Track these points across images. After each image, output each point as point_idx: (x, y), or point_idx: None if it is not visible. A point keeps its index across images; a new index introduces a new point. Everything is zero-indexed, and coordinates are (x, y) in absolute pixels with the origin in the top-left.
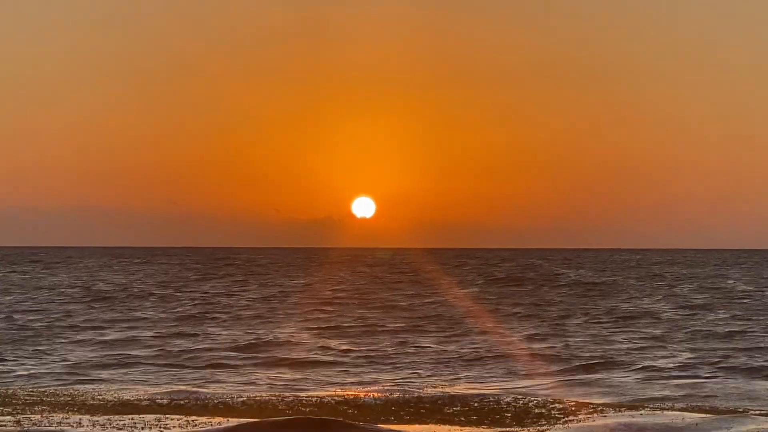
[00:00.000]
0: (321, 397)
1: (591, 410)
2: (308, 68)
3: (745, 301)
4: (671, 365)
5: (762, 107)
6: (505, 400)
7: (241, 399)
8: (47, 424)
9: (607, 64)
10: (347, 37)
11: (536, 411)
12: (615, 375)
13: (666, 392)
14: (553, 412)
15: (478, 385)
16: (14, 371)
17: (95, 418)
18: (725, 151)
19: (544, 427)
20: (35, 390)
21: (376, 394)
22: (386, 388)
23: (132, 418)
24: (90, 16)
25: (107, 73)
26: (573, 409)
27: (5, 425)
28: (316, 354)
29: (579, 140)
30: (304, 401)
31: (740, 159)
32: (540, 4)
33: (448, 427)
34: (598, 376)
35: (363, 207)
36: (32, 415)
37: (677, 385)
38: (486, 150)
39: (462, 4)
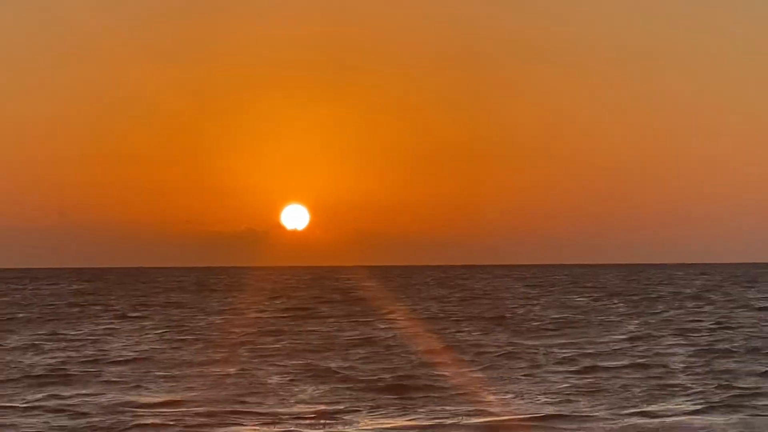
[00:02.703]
0: None
1: None
2: (222, 48)
3: None
4: None
5: None
6: None
7: None
8: None
9: (603, 40)
10: (268, 8)
11: None
12: None
13: None
14: None
15: None
16: None
17: None
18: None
19: None
20: None
21: None
22: None
23: None
24: None
25: None
26: None
27: None
28: None
29: (565, 132)
30: None
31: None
32: None
33: None
34: None
35: (294, 217)
36: None
37: None
38: (445, 146)
39: None
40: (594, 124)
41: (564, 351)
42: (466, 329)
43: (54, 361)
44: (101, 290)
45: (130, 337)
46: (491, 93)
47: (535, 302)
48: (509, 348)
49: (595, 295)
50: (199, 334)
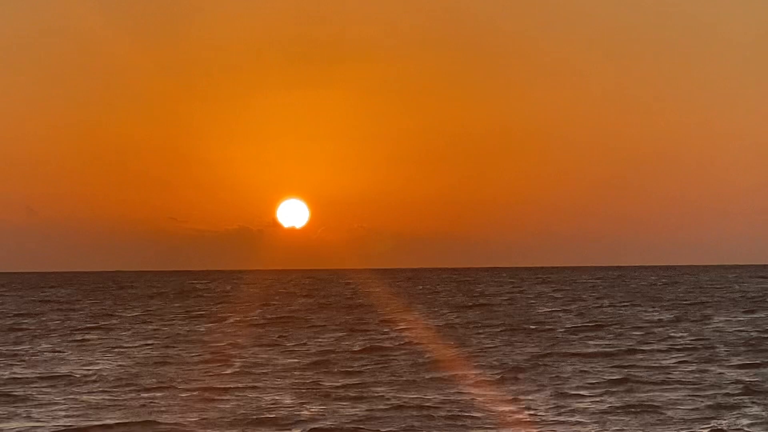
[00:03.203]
0: None
1: None
2: (210, 27)
3: None
4: None
5: None
6: None
7: None
8: None
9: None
10: None
11: None
12: None
13: None
14: None
15: None
16: None
17: None
18: None
19: None
20: None
21: None
22: None
23: None
24: None
25: None
26: None
27: None
28: None
29: (583, 124)
30: None
31: None
32: None
33: None
34: None
35: (292, 213)
36: None
37: None
38: (462, 135)
39: None
40: (618, 115)
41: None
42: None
43: None
44: (64, 299)
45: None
46: (509, 81)
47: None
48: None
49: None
50: (165, 355)
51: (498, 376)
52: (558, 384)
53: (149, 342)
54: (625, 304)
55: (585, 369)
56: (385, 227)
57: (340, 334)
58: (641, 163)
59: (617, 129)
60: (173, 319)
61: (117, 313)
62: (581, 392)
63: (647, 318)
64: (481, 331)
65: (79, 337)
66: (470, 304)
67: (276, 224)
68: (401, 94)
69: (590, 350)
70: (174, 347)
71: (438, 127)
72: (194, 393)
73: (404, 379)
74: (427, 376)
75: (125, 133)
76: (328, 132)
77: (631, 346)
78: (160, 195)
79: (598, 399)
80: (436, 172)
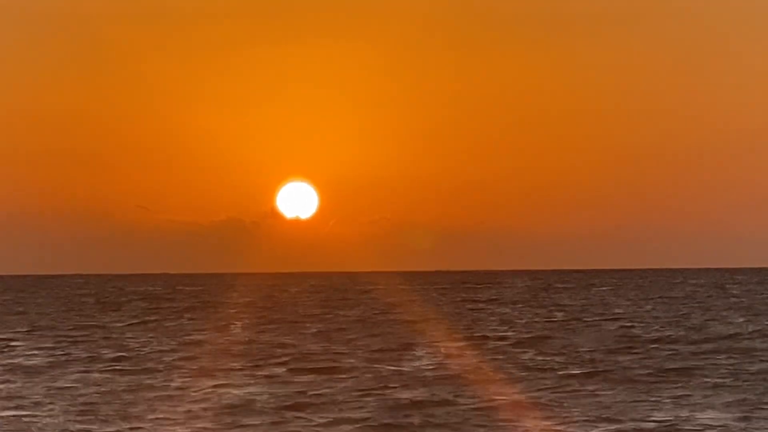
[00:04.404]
0: None
1: None
2: None
3: None
4: None
5: None
6: None
7: None
8: None
9: None
10: None
11: None
12: None
13: None
14: None
15: None
16: None
17: None
18: None
19: None
20: None
21: None
22: None
23: None
24: None
25: None
26: None
27: None
28: None
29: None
30: None
31: None
32: None
33: None
34: None
35: (296, 200)
36: None
37: None
38: (517, 105)
39: None
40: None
41: None
42: None
43: None
44: None
45: None
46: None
47: None
48: None
49: None
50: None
51: None
52: None
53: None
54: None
55: None
56: (415, 219)
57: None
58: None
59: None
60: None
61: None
62: None
63: None
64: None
65: None
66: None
67: (275, 214)
68: (440, 50)
69: None
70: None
71: (486, 95)
72: None
73: None
74: None
75: (76, 101)
76: (343, 97)
77: None
78: (125, 178)
79: None
80: (484, 152)
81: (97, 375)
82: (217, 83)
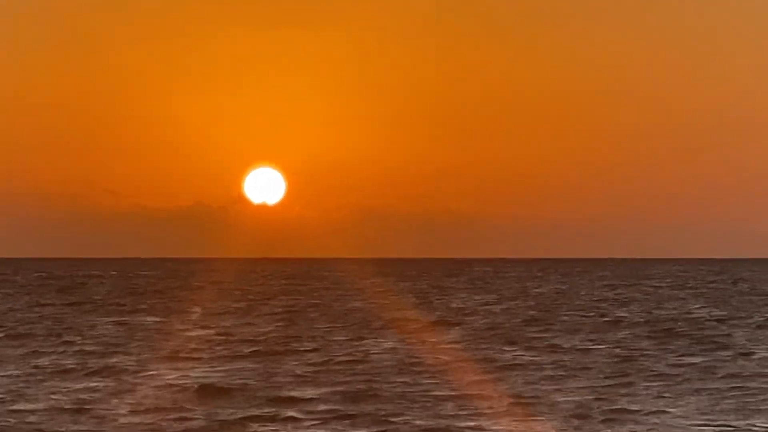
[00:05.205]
0: None
1: None
2: None
3: None
4: None
5: None
6: None
7: None
8: None
9: None
10: None
11: None
12: None
13: None
14: None
15: None
16: None
17: None
18: None
19: None
20: None
21: None
22: None
23: None
24: None
25: None
26: None
27: None
28: None
29: (632, 76)
30: None
31: None
32: None
33: None
34: None
35: (263, 185)
36: None
37: None
38: (488, 92)
39: None
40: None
41: None
42: None
43: None
44: None
45: None
46: (549, 27)
47: None
48: None
49: None
50: None
51: None
52: None
53: None
54: None
55: None
56: (383, 206)
57: None
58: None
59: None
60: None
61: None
62: None
63: None
64: None
65: None
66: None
67: (243, 200)
68: (409, 36)
69: None
70: None
71: (458, 81)
72: None
73: None
74: None
75: (45, 85)
76: (311, 84)
77: None
78: (93, 161)
79: None
80: (453, 139)
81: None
82: (186, 69)
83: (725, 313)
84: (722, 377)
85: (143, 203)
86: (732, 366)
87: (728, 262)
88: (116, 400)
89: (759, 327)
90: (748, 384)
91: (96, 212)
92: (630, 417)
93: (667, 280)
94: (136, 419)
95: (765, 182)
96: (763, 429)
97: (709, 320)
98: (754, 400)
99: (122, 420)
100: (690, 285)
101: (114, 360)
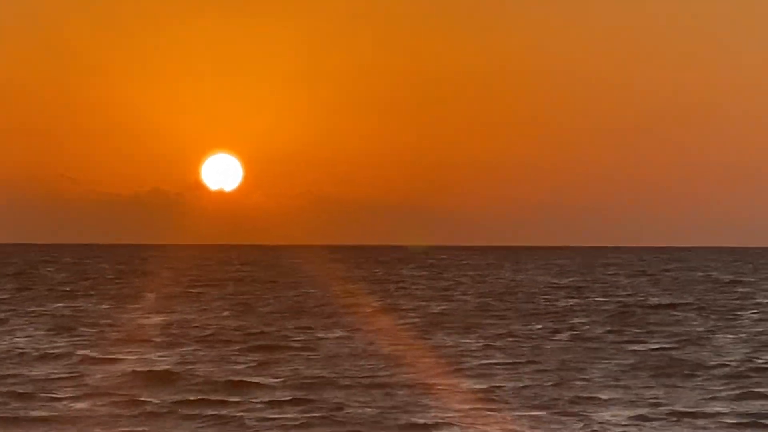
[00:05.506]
0: None
1: None
2: None
3: None
4: None
5: None
6: None
7: None
8: None
9: None
10: None
11: None
12: None
13: None
14: None
15: None
16: None
17: None
18: None
19: None
20: None
21: None
22: None
23: None
24: None
25: None
26: None
27: None
28: None
29: (585, 62)
30: None
31: None
32: None
33: None
34: None
35: (221, 172)
36: None
37: None
38: (444, 78)
39: None
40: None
41: None
42: None
43: None
44: None
45: None
46: (502, 10)
47: None
48: None
49: None
50: None
51: None
52: None
53: None
54: None
55: None
56: (341, 193)
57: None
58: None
59: (634, 74)
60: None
61: None
62: None
63: None
64: None
65: None
66: None
67: (200, 186)
68: (366, 22)
69: None
70: None
71: (413, 67)
72: None
73: None
74: None
75: (1, 69)
76: (268, 69)
77: None
78: (50, 146)
79: None
80: (410, 125)
81: None
82: (144, 56)
83: (682, 300)
84: (676, 364)
85: (100, 189)
86: (686, 353)
87: (683, 250)
88: (67, 386)
89: (713, 313)
90: (696, 372)
91: (53, 198)
92: (586, 404)
93: (625, 268)
94: (87, 404)
95: (718, 171)
96: (717, 413)
97: (663, 306)
98: (709, 385)
99: (73, 405)
100: (647, 272)
101: (64, 345)
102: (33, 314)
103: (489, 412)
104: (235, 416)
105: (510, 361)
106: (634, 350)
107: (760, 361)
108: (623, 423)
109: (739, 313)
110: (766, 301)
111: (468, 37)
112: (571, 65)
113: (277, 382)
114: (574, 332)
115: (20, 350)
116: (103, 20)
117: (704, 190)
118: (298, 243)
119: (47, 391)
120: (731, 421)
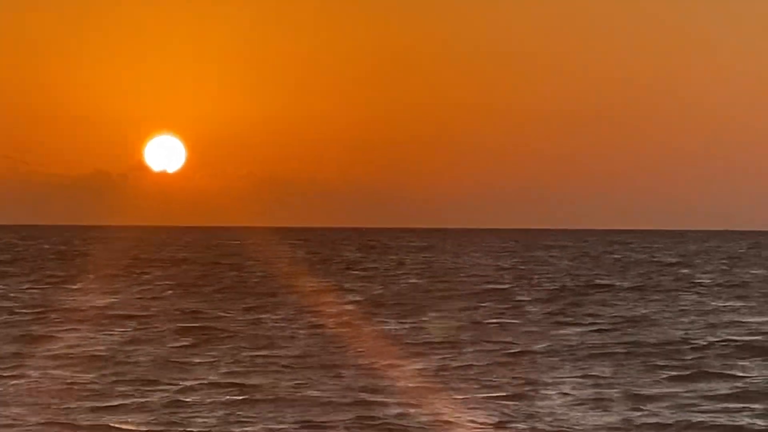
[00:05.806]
0: None
1: None
2: None
3: None
4: None
5: None
6: None
7: None
8: None
9: None
10: None
11: None
12: None
13: None
14: None
15: None
16: None
17: None
18: None
19: None
20: None
21: None
22: None
23: None
24: None
25: None
26: None
27: None
28: None
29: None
30: None
31: None
32: None
33: None
34: None
35: (163, 153)
36: None
37: None
38: (391, 55)
39: None
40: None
41: None
42: None
43: None
44: None
45: None
46: None
47: None
48: None
49: None
50: None
51: None
52: None
53: None
54: None
55: None
56: (284, 175)
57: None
58: (636, 103)
59: (604, 59)
60: None
61: None
62: None
63: None
64: None
65: None
66: None
67: (143, 167)
68: (307, 3)
69: None
70: None
71: (358, 47)
72: None
73: None
74: None
75: None
76: (212, 50)
77: None
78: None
79: None
80: (356, 104)
81: None
82: (86, 37)
83: (624, 281)
84: (619, 344)
85: (43, 170)
86: (628, 333)
87: (626, 233)
88: (1, 370)
89: (655, 293)
90: (638, 351)
91: (2, 180)
92: (531, 385)
93: (567, 251)
94: (23, 388)
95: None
96: (663, 394)
97: (605, 287)
98: (652, 365)
99: (8, 389)
100: (590, 254)
101: None
102: None
103: (433, 393)
104: (173, 399)
105: (453, 341)
106: (577, 331)
107: (701, 341)
108: (568, 404)
109: (680, 293)
110: (708, 281)
111: (418, 15)
112: (526, 47)
113: (215, 363)
114: (517, 313)
115: None
116: (44, 2)
117: (652, 173)
118: (242, 224)
119: None
120: (677, 402)
